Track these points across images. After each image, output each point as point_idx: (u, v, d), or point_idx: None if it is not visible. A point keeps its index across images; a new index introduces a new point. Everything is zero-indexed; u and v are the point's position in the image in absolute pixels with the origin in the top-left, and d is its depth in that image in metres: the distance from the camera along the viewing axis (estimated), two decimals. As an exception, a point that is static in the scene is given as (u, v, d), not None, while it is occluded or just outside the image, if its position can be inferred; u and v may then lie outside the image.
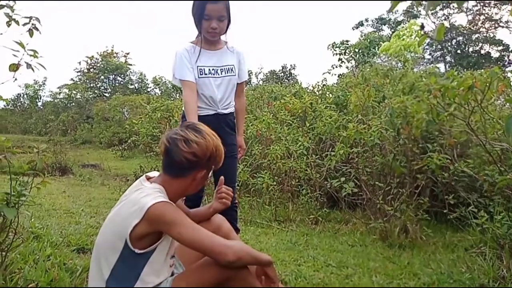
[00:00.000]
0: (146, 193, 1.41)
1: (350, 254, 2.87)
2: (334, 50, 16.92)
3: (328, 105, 4.57)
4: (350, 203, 4.06)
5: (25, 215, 1.51)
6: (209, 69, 2.16)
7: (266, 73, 24.02)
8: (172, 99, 7.72)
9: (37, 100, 14.66)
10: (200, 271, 1.48)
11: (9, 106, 14.78)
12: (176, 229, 1.39)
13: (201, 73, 2.14)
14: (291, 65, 23.49)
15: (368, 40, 15.49)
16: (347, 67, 16.12)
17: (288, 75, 23.58)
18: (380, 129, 3.21)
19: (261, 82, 24.19)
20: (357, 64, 14.87)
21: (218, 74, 2.17)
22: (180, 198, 1.70)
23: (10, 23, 1.89)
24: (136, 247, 1.39)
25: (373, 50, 14.88)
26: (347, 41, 17.18)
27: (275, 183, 4.01)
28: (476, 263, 2.62)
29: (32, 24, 2.06)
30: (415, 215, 3.44)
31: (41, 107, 14.46)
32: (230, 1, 2.18)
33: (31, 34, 2.08)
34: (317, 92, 5.25)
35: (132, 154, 10.23)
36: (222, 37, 2.23)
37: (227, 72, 2.19)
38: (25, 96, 14.79)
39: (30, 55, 1.82)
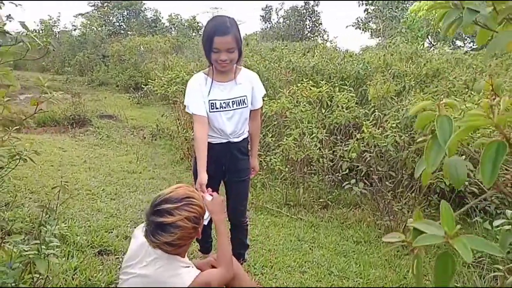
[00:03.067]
0: (170, 273, 1.53)
1: (353, 258, 3.03)
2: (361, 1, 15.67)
3: (346, 86, 4.43)
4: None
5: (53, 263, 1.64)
6: (221, 103, 2.12)
7: (287, 10, 22.79)
8: (189, 63, 7.47)
9: (51, 36, 14.44)
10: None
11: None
12: None
13: (213, 107, 2.12)
14: (314, 1, 22.13)
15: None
16: (373, 16, 15.05)
17: (311, 12, 22.31)
18: (394, 133, 3.16)
19: (281, 20, 23.08)
20: (383, 17, 13.86)
21: (230, 107, 2.14)
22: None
23: None
24: None
25: (402, 3, 13.73)
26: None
27: (287, 169, 4.09)
28: (472, 279, 2.75)
29: None
30: (423, 212, 3.53)
31: (58, 45, 14.28)
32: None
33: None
34: (337, 66, 5.05)
35: (149, 102, 10.38)
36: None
37: (239, 105, 2.16)
38: (40, 32, 14.58)
39: None
